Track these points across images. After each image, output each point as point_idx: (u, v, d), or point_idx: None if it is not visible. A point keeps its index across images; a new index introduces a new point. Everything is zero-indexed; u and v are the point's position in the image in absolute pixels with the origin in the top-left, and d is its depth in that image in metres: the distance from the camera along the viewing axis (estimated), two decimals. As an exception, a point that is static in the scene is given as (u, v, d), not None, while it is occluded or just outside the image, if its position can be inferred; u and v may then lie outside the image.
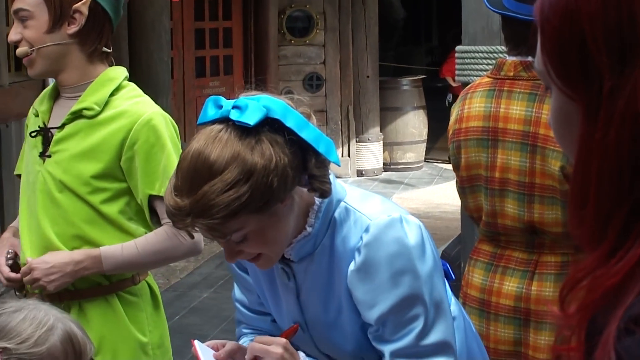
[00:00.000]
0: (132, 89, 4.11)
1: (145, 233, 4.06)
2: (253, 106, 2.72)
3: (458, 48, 6.06)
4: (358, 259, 2.87)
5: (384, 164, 17.69)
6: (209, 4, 15.87)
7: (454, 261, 6.51)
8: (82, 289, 4.01)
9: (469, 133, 4.71)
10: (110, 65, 4.10)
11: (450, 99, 19.14)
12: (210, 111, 2.81)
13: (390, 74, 18.62)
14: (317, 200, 2.93)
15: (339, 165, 3.04)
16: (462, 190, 4.87)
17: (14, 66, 10.70)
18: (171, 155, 3.90)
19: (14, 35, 3.96)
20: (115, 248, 3.93)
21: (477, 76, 5.33)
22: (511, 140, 4.54)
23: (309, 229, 2.92)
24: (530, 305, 4.54)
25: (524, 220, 4.53)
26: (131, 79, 11.62)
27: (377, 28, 17.42)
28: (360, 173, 17.22)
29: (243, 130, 2.72)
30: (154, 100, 11.38)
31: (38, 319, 3.08)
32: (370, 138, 17.31)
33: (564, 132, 1.60)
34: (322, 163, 2.84)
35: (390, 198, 15.09)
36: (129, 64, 12.54)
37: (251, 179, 2.68)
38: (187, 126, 15.13)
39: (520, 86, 4.57)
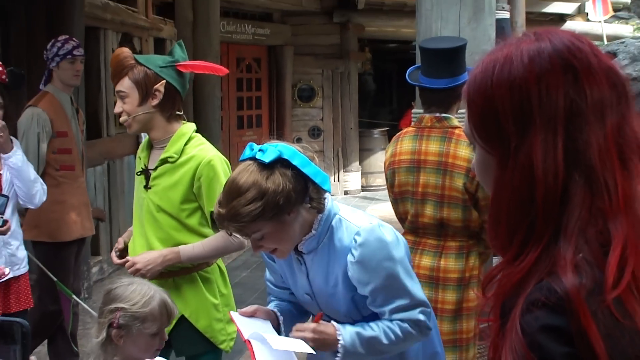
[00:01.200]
0: (199, 138, 4.16)
1: (207, 233, 4.11)
2: (271, 150, 2.83)
3: (413, 110, 5.80)
4: (356, 254, 2.95)
5: (362, 186, 17.64)
6: (246, 80, 15.82)
7: None
8: (175, 270, 4.06)
9: (401, 163, 4.75)
10: (183, 123, 4.17)
11: (406, 143, 19.32)
12: (246, 152, 2.92)
13: (366, 126, 18.51)
14: (320, 214, 3.02)
15: (330, 192, 3.05)
16: (395, 201, 4.93)
17: (117, 122, 10.34)
18: (223, 184, 3.69)
19: (117, 108, 4.03)
20: (189, 247, 4.01)
21: None
22: (429, 167, 4.63)
23: (313, 232, 3.02)
24: (439, 274, 4.66)
25: (437, 218, 4.64)
26: (196, 132, 11.51)
27: (357, 96, 17.43)
28: (345, 192, 17.21)
29: (263, 166, 2.83)
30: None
31: (144, 290, 3.20)
32: (352, 169, 17.35)
33: (485, 175, 1.66)
34: (319, 190, 2.94)
35: (366, 209, 15.43)
36: (194, 121, 12.17)
37: (264, 197, 2.78)
38: (232, 162, 14.48)
39: (434, 132, 4.66)
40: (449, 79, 4.67)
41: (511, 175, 1.55)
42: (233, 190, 2.85)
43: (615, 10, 16.78)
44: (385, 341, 3.02)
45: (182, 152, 4.05)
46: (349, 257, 2.99)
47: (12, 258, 5.09)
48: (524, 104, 1.53)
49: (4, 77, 5.04)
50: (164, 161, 4.07)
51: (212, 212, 3.73)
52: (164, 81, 4.03)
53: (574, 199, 1.50)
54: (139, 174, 4.20)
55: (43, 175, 5.64)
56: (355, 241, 2.99)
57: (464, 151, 4.62)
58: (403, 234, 4.72)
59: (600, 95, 1.53)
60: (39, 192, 5.13)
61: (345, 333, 2.99)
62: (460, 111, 5.29)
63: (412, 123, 5.18)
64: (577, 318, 1.39)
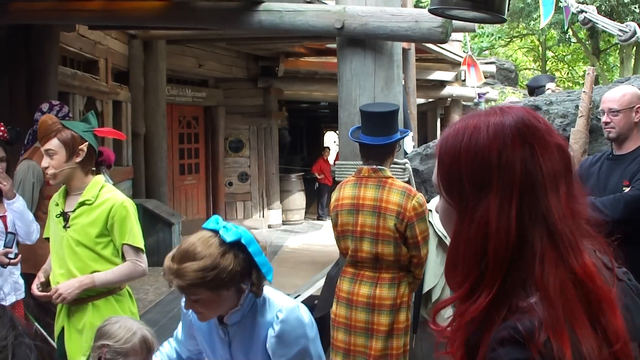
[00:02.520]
0: (109, 186, 4.24)
1: (118, 259, 4.17)
2: (233, 232, 2.74)
3: (336, 163, 5.87)
4: (276, 328, 2.84)
5: (282, 221, 17.57)
6: (187, 134, 15.86)
7: (335, 278, 6.54)
8: (93, 295, 4.10)
9: (343, 207, 4.77)
10: (95, 174, 4.25)
11: (317, 185, 19.42)
12: (211, 223, 2.82)
13: (284, 171, 18.69)
14: (246, 289, 2.86)
15: (270, 282, 2.88)
16: (338, 238, 4.91)
17: None
18: (132, 222, 4.12)
19: (44, 163, 4.11)
20: (102, 274, 4.07)
21: (346, 176, 5.21)
22: (367, 210, 4.66)
23: (239, 307, 2.87)
24: (375, 301, 4.66)
25: (373, 253, 4.64)
26: (146, 177, 11.54)
27: (277, 147, 17.48)
28: (269, 226, 17.08)
29: (222, 242, 2.72)
30: (157, 187, 11.32)
31: (127, 327, 3.17)
32: (274, 207, 17.27)
33: (446, 223, 1.63)
34: (261, 278, 2.80)
35: (287, 240, 15.42)
36: (144, 168, 12.42)
37: (213, 270, 2.66)
38: (174, 202, 14.93)
39: (370, 181, 4.70)
40: (385, 137, 4.74)
41: (468, 228, 1.53)
42: (190, 254, 2.70)
43: (485, 77, 17.18)
44: None
45: (97, 196, 4.11)
46: (270, 331, 2.85)
47: (16, 285, 5.16)
48: (485, 170, 1.52)
49: (5, 135, 5.12)
50: (82, 204, 4.11)
51: (123, 245, 4.11)
52: (87, 143, 4.15)
53: (536, 253, 1.48)
54: (58, 216, 4.20)
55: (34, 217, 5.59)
56: (277, 317, 2.85)
57: (395, 197, 4.67)
58: (345, 267, 4.90)
59: (552, 167, 1.53)
60: (35, 230, 5.21)
61: None
62: (396, 161, 5.31)
63: (341, 173, 5.29)
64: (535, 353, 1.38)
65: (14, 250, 4.93)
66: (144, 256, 4.21)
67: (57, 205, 4.24)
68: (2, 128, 5.08)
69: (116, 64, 11.70)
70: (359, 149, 4.92)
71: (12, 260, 4.87)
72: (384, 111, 4.80)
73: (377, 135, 4.71)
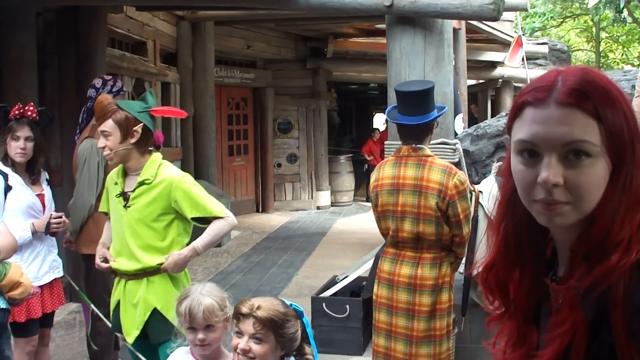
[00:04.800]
0: (167, 164, 4.28)
1: (186, 239, 4.26)
2: (299, 309, 2.94)
3: (386, 143, 5.94)
4: None
5: (331, 202, 17.56)
6: (235, 116, 15.94)
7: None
8: (150, 271, 4.15)
9: (383, 187, 4.74)
10: (152, 153, 4.27)
11: (366, 167, 19.35)
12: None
13: (332, 153, 18.71)
14: (288, 358, 2.90)
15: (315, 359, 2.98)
16: (378, 219, 4.87)
17: None
18: (195, 194, 4.12)
19: (100, 144, 4.16)
20: (199, 240, 4.15)
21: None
22: (407, 190, 4.63)
23: None
24: (417, 281, 4.64)
25: (414, 232, 4.62)
26: (195, 158, 11.65)
27: (326, 128, 17.49)
28: (318, 207, 17.10)
29: (295, 311, 2.89)
30: (206, 169, 11.41)
31: (187, 292, 3.24)
32: (323, 188, 17.28)
33: (595, 184, 1.42)
34: (309, 355, 2.92)
35: (335, 222, 15.43)
36: (193, 149, 12.49)
37: (288, 322, 2.81)
38: (223, 184, 15.04)
39: (410, 160, 4.66)
40: (422, 116, 4.69)
41: (632, 183, 1.40)
42: (274, 300, 2.89)
43: (535, 58, 16.95)
44: None
45: (156, 175, 4.15)
46: None
47: (54, 263, 5.19)
48: None
49: (34, 115, 5.08)
50: (142, 183, 4.14)
51: (193, 218, 4.10)
52: (142, 124, 4.17)
53: None
54: (117, 196, 4.24)
55: (99, 196, 5.55)
56: None
57: (436, 175, 4.63)
58: (385, 247, 4.88)
59: None
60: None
61: None
62: (447, 142, 5.26)
63: (391, 153, 5.13)
64: None
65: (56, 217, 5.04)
66: (225, 210, 4.20)
67: (116, 184, 4.28)
68: (32, 108, 5.08)
69: (164, 46, 11.77)
70: (397, 129, 4.90)
71: (53, 221, 4.98)
72: (419, 90, 4.74)
73: (414, 115, 4.67)
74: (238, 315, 2.87)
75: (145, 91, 4.35)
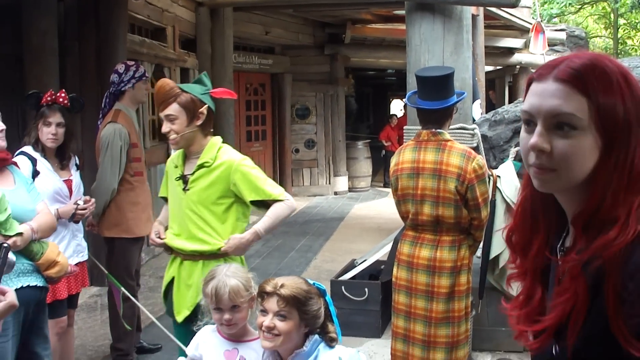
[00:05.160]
0: (227, 147, 4.23)
1: (245, 223, 4.23)
2: (322, 287, 3.01)
3: (405, 127, 5.95)
4: None
5: (348, 188, 17.63)
6: (253, 102, 15.99)
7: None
8: (207, 254, 4.12)
9: (403, 170, 4.80)
10: (212, 136, 4.24)
11: (384, 153, 19.38)
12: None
13: (350, 139, 18.73)
14: (312, 335, 2.95)
15: (340, 342, 3.04)
16: (398, 202, 4.93)
17: (151, 136, 10.55)
18: (254, 177, 4.08)
19: (165, 128, 4.12)
20: (260, 223, 4.10)
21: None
22: (427, 173, 4.69)
23: (305, 348, 2.92)
24: (436, 263, 4.71)
25: (433, 215, 4.68)
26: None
27: (344, 114, 17.53)
28: (335, 193, 17.18)
29: (318, 290, 2.97)
30: None
31: (213, 273, 3.26)
32: (341, 174, 17.36)
33: (581, 159, 1.54)
34: (333, 331, 2.99)
35: (353, 207, 15.48)
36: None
37: (311, 299, 2.88)
38: None
39: (430, 144, 4.72)
40: (442, 101, 4.74)
41: (630, 163, 1.51)
42: (297, 279, 2.97)
43: (552, 44, 16.87)
44: None
45: (215, 157, 4.11)
46: None
47: (78, 247, 5.23)
48: None
49: (66, 101, 5.14)
50: (201, 166, 4.11)
51: (252, 201, 4.06)
52: (207, 105, 4.13)
53: None
54: (177, 179, 4.22)
55: (121, 180, 5.77)
56: (340, 359, 2.90)
57: (455, 159, 4.68)
58: (405, 231, 4.94)
59: None
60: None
61: None
62: (465, 127, 5.31)
63: (410, 138, 5.15)
64: None
65: (82, 198, 5.12)
66: (285, 193, 4.19)
67: (177, 167, 4.27)
68: (63, 94, 5.15)
69: (183, 32, 11.80)
70: (417, 113, 4.93)
71: (79, 207, 5.04)
72: (439, 75, 4.79)
73: (434, 100, 4.72)
74: (262, 294, 2.94)
75: (201, 74, 4.35)
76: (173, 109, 4.07)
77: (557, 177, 1.56)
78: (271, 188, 4.13)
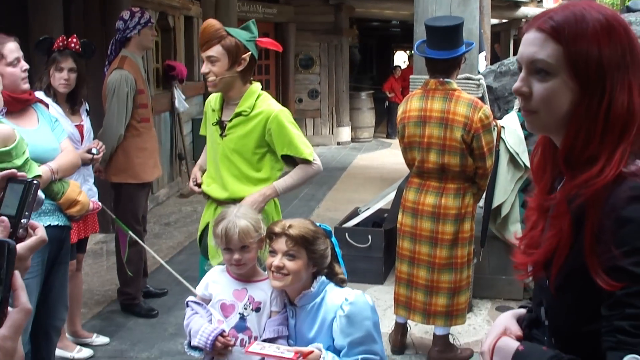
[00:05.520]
0: (265, 96, 4.16)
1: (279, 173, 4.20)
2: (328, 228, 3.07)
3: (411, 77, 5.89)
4: (345, 309, 2.90)
5: (351, 138, 17.69)
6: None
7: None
8: (239, 199, 4.04)
9: (410, 118, 4.85)
10: (252, 83, 4.17)
11: (387, 104, 19.29)
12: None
13: (353, 89, 18.70)
14: (319, 276, 3.02)
15: (346, 280, 3.13)
16: (405, 150, 4.99)
17: (156, 84, 10.47)
18: (289, 131, 4.04)
19: (204, 69, 4.03)
20: (281, 181, 4.09)
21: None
22: (434, 122, 4.74)
23: (312, 289, 2.99)
24: (440, 210, 4.80)
25: (439, 163, 4.75)
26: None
27: (347, 65, 17.50)
28: (338, 143, 17.23)
29: (324, 231, 3.03)
30: None
31: (224, 214, 3.24)
32: (344, 124, 17.39)
33: (556, 104, 1.65)
34: (339, 272, 3.07)
35: (356, 157, 15.52)
36: None
37: (318, 238, 2.95)
38: None
39: (437, 93, 4.77)
40: (451, 51, 4.77)
41: (606, 106, 1.58)
42: (305, 220, 3.03)
43: (565, -1, 16.74)
44: None
45: (253, 106, 4.06)
46: (339, 312, 2.92)
47: (89, 192, 5.19)
48: (622, 51, 1.60)
49: (77, 47, 5.15)
50: (238, 114, 4.08)
51: (281, 155, 4.07)
52: (250, 52, 4.05)
53: None
54: (214, 124, 4.20)
55: (127, 126, 5.80)
56: (347, 300, 2.93)
57: (462, 109, 4.73)
58: (410, 178, 5.01)
59: None
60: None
61: (327, 355, 2.87)
62: (470, 77, 5.34)
63: (416, 87, 5.23)
64: None
65: (96, 147, 5.13)
66: (314, 155, 4.18)
67: (214, 111, 4.25)
68: (75, 40, 5.15)
69: (188, -21, 11.75)
70: (425, 62, 4.95)
71: (95, 156, 5.08)
72: (449, 25, 4.81)
73: (443, 49, 4.75)
74: (271, 235, 3.01)
75: (248, 21, 4.23)
76: (216, 50, 4.01)
77: (538, 118, 1.68)
78: (303, 146, 4.11)
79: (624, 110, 1.58)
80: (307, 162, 4.12)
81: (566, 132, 1.64)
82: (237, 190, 4.13)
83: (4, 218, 1.32)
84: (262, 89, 4.21)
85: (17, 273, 1.24)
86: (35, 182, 1.41)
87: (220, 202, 4.18)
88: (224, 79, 4.05)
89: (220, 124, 4.18)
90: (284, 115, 4.09)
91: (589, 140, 1.61)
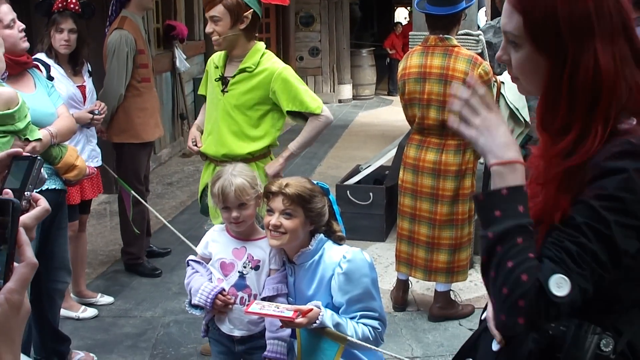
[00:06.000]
0: (269, 54, 4.23)
1: (277, 132, 4.29)
2: (326, 186, 3.08)
3: (410, 33, 5.93)
4: (344, 267, 2.90)
5: (353, 96, 17.61)
6: None
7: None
8: (231, 158, 4.11)
9: (410, 75, 4.85)
10: (257, 41, 4.26)
11: (388, 61, 19.18)
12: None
13: (354, 47, 18.62)
14: (317, 234, 3.03)
15: (344, 236, 3.12)
16: (405, 106, 4.98)
17: (156, 44, 10.35)
18: (294, 87, 4.10)
19: (208, 29, 4.11)
20: (295, 141, 4.23)
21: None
22: (433, 78, 4.75)
23: (310, 247, 3.00)
24: (441, 167, 4.81)
25: (439, 120, 4.75)
26: None
27: (348, 22, 17.40)
28: (339, 101, 17.17)
29: (322, 189, 3.02)
30: None
31: (219, 172, 3.26)
32: (345, 82, 17.31)
33: (531, 73, 1.68)
34: (337, 228, 3.08)
35: (357, 115, 15.48)
36: None
37: (314, 197, 2.94)
38: None
39: (437, 50, 4.77)
40: (451, 7, 4.74)
41: (572, 73, 1.57)
42: (301, 179, 3.04)
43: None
44: (348, 332, 2.89)
45: (258, 63, 4.13)
46: (337, 269, 2.93)
47: (93, 152, 5.27)
48: (585, 17, 1.57)
49: (77, 7, 5.12)
50: (242, 70, 4.14)
51: (290, 112, 4.16)
52: (252, 10, 4.11)
53: (631, 86, 1.59)
54: (217, 80, 4.26)
55: (128, 86, 5.78)
56: (345, 257, 2.94)
57: (461, 65, 4.72)
58: (411, 134, 5.02)
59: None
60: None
61: (326, 313, 2.88)
62: (469, 32, 5.31)
63: (416, 44, 5.21)
64: None
65: (98, 108, 5.14)
66: (322, 107, 4.23)
67: (217, 68, 4.30)
68: (74, 1, 5.13)
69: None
70: (425, 19, 4.93)
71: (95, 116, 5.09)
72: None
73: (443, 5, 4.72)
74: (268, 194, 3.02)
75: None
76: (217, 10, 4.07)
77: (520, 84, 1.73)
78: (310, 100, 4.16)
79: (588, 78, 1.57)
80: (315, 115, 4.16)
81: (539, 100, 1.67)
82: (234, 147, 4.18)
83: (8, 190, 1.35)
84: (265, 48, 4.23)
85: (21, 230, 1.26)
86: (39, 158, 1.45)
87: (217, 162, 4.23)
88: (227, 37, 4.10)
89: (223, 80, 4.22)
90: (288, 72, 4.15)
91: (556, 109, 1.62)
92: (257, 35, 4.27)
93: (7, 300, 1.17)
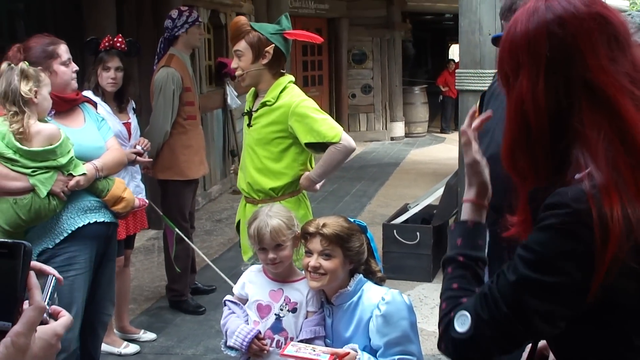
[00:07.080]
0: (292, 87, 4.19)
1: (300, 167, 4.18)
2: (363, 223, 3.06)
3: (457, 71, 5.80)
4: (382, 309, 2.86)
5: (405, 134, 17.57)
6: (310, 47, 15.87)
7: (453, 187, 6.52)
8: (259, 199, 4.16)
9: None
10: (284, 75, 4.21)
11: (441, 98, 19.15)
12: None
13: (407, 84, 18.61)
14: (356, 274, 2.99)
15: (382, 274, 3.11)
16: None
17: (208, 82, 10.63)
18: (311, 119, 4.01)
19: (233, 64, 4.19)
20: (313, 170, 4.15)
21: (466, 84, 5.33)
22: None
23: (349, 288, 2.96)
24: None
25: None
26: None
27: (400, 59, 17.42)
28: (392, 138, 17.14)
29: (359, 227, 3.01)
30: None
31: (256, 214, 3.21)
32: (397, 119, 17.28)
33: None
34: (376, 268, 3.06)
35: (409, 153, 15.43)
36: None
37: (353, 235, 2.92)
38: None
39: None
40: None
41: (511, 107, 1.56)
42: (338, 218, 3.00)
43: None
44: None
45: (278, 97, 4.11)
46: (375, 311, 2.88)
47: (137, 188, 5.29)
48: (518, 53, 1.54)
49: (123, 46, 5.24)
50: (263, 104, 4.14)
51: (307, 144, 4.04)
52: (273, 45, 4.12)
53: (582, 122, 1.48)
54: (244, 114, 4.31)
55: (174, 124, 5.83)
56: (384, 299, 2.89)
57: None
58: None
59: (590, 36, 1.52)
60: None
61: (363, 356, 2.83)
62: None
63: (462, 82, 5.11)
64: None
65: (141, 145, 5.15)
66: (342, 135, 4.09)
67: (247, 102, 4.36)
68: (121, 39, 5.25)
69: (239, -23, 11.77)
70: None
71: (138, 154, 5.09)
72: None
73: None
74: (305, 235, 2.99)
75: (281, 15, 4.33)
76: (241, 45, 4.14)
77: None
78: (327, 129, 4.06)
79: (518, 114, 1.55)
80: (334, 144, 4.08)
81: None
82: (256, 181, 4.17)
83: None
84: (293, 82, 4.23)
85: (32, 273, 1.28)
86: (54, 277, 1.48)
87: (247, 199, 4.27)
88: (251, 72, 4.16)
89: (249, 114, 4.26)
90: (305, 104, 4.09)
91: (515, 150, 1.59)
92: (283, 71, 4.25)
93: (13, 343, 1.18)
